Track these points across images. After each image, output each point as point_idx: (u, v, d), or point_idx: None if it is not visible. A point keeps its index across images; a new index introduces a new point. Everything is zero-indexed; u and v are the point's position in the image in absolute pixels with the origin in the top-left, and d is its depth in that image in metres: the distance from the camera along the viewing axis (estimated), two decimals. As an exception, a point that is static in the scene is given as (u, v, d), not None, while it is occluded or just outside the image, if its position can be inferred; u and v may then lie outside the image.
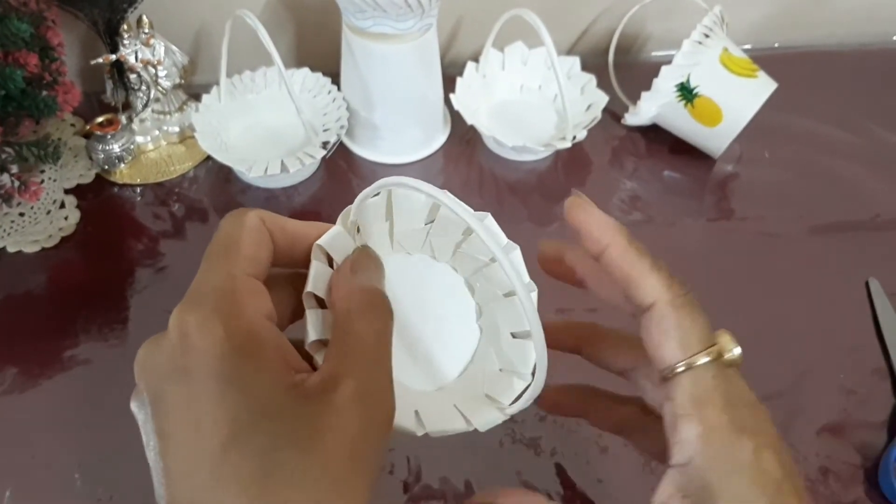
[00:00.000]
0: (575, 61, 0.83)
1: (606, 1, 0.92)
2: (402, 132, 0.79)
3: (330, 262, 0.36)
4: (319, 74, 0.81)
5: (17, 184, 0.67)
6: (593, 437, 0.59)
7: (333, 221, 0.37)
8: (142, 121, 0.79)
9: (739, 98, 0.75)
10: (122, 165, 0.76)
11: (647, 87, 0.79)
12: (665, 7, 0.86)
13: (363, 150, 0.80)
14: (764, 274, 0.72)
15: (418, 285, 0.40)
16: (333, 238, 0.35)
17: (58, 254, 0.70)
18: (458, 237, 0.40)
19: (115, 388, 0.61)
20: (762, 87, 0.76)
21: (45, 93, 0.65)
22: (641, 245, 0.36)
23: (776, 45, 1.00)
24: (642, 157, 0.83)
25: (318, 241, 0.35)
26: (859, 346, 0.67)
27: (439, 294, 0.40)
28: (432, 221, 0.40)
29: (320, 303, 0.35)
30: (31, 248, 0.69)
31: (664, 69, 0.77)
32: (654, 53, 0.98)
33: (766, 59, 0.80)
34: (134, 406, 0.32)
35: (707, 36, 0.76)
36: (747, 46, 0.97)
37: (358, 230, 0.37)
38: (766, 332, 0.67)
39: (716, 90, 0.76)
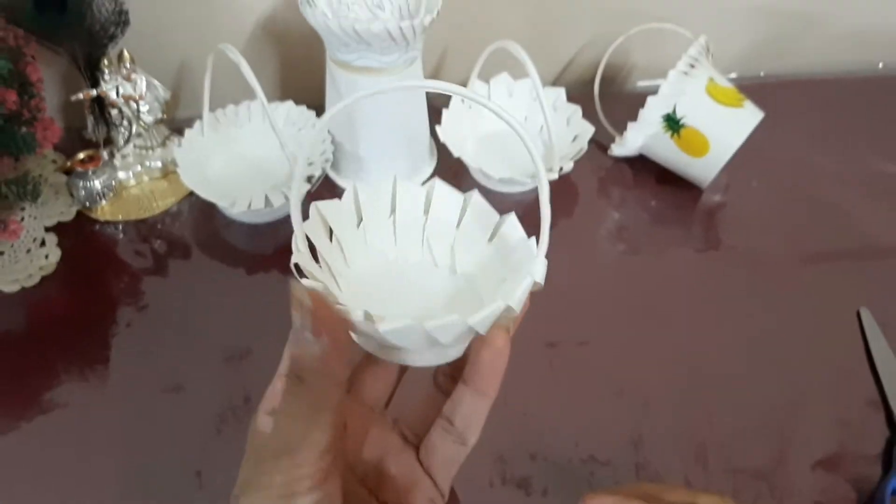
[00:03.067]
0: (560, 92, 0.83)
1: (591, 32, 0.92)
2: (388, 164, 0.79)
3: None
4: (304, 107, 0.81)
5: (-5, 222, 0.66)
6: (585, 475, 0.58)
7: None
8: (124, 156, 0.78)
9: (726, 128, 0.75)
10: (104, 202, 0.75)
11: (633, 116, 0.78)
12: (650, 37, 0.86)
13: (349, 182, 0.80)
14: (754, 304, 0.71)
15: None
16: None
17: (38, 293, 0.69)
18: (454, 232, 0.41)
19: (96, 429, 0.60)
20: (749, 116, 0.75)
21: (24, 129, 0.64)
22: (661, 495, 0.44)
23: (762, 73, 1.00)
24: (629, 188, 0.83)
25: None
26: (852, 377, 0.66)
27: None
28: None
29: None
30: (10, 288, 0.68)
31: (650, 100, 0.76)
32: (639, 83, 0.98)
33: (752, 88, 0.80)
34: None
35: (692, 66, 0.76)
36: (733, 75, 0.97)
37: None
38: (758, 363, 0.66)
39: (702, 121, 0.75)
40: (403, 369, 0.43)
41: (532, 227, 0.37)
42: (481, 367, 0.37)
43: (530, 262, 0.36)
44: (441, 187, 0.41)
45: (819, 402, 0.64)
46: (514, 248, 0.39)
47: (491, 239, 0.41)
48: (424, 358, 0.36)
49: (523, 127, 0.34)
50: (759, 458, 0.60)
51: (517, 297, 0.34)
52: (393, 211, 0.41)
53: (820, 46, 1.00)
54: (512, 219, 0.40)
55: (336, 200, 0.40)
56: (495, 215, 0.41)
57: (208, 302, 0.69)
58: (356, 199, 0.40)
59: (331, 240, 0.40)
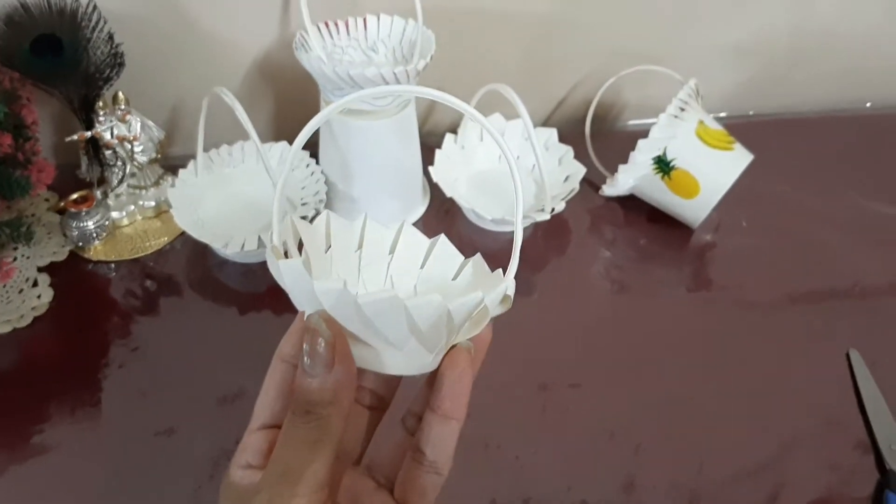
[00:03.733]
0: (552, 133, 0.84)
1: (582, 72, 0.93)
2: (382, 204, 0.79)
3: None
4: (297, 147, 0.81)
5: (-12, 264, 0.66)
6: (577, 519, 0.58)
7: None
8: (117, 196, 0.78)
9: (716, 170, 0.76)
10: (97, 242, 0.75)
11: (624, 155, 0.79)
12: (641, 76, 0.87)
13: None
14: (744, 345, 0.72)
15: None
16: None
17: (30, 333, 0.69)
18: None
19: (87, 472, 0.60)
20: (738, 159, 0.76)
21: (18, 172, 0.65)
22: None
23: (751, 112, 1.01)
24: (621, 227, 0.83)
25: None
26: (841, 419, 0.67)
27: None
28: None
29: None
30: (2, 329, 0.68)
31: (641, 142, 0.77)
32: (630, 122, 0.99)
33: (740, 127, 0.81)
34: None
35: (683, 109, 0.77)
36: (722, 114, 0.98)
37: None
38: (747, 404, 0.67)
39: (692, 163, 0.76)
40: (374, 421, 0.43)
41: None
42: (445, 389, 0.38)
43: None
44: (409, 230, 0.43)
45: (809, 445, 0.64)
46: (477, 284, 0.41)
47: (455, 278, 0.42)
48: (397, 361, 0.37)
49: (511, 153, 0.38)
50: (750, 501, 0.60)
51: (492, 297, 0.36)
52: (360, 246, 0.43)
53: (808, 86, 1.01)
54: (477, 259, 0.42)
55: (308, 222, 0.41)
56: (460, 257, 0.43)
57: (201, 342, 0.69)
58: (327, 226, 0.42)
59: (300, 253, 0.40)
